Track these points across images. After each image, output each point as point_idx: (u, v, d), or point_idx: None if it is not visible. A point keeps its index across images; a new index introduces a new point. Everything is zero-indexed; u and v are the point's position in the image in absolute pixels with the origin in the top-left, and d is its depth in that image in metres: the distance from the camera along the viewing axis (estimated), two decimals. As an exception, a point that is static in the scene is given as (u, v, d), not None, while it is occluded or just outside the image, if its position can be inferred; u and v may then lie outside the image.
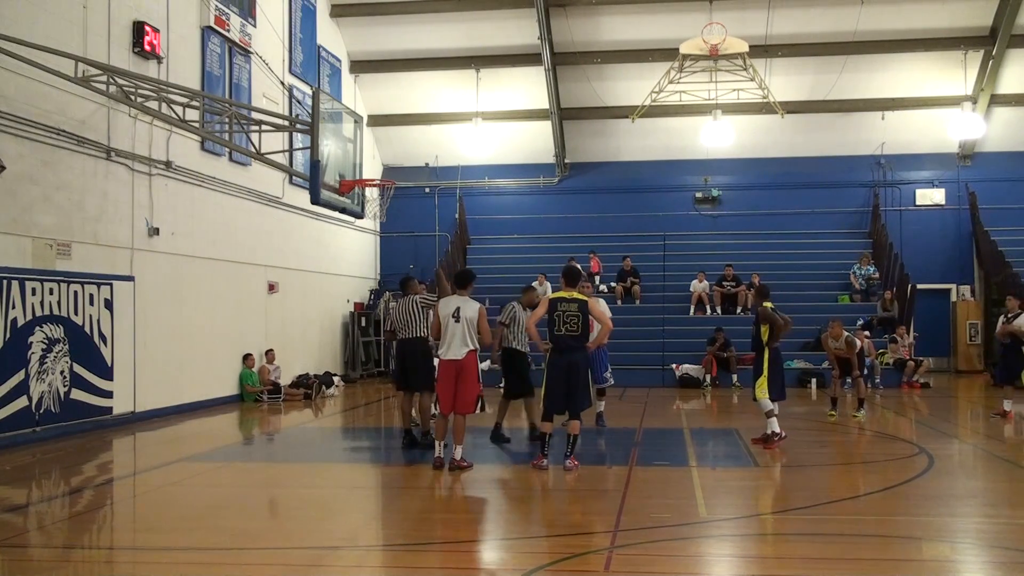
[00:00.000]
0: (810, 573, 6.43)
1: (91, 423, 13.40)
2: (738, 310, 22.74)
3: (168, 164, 15.51)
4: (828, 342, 14.30)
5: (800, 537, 7.45)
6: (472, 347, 9.79)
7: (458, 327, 9.72)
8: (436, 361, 10.41)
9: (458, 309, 9.77)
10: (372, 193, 16.50)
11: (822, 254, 24.59)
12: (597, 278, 23.71)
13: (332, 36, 23.32)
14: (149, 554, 6.94)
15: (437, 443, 9.89)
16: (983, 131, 24.28)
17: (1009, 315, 14.33)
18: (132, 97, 12.86)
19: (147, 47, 14.77)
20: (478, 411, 9.84)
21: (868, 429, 13.57)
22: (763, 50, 22.90)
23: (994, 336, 16.03)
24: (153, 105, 13.08)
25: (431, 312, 10.65)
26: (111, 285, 13.96)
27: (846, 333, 14.18)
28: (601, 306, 11.88)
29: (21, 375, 12.07)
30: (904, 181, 25.30)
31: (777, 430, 11.27)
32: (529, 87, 24.65)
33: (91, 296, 13.51)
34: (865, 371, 14.86)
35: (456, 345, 9.74)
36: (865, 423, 13.94)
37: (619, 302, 23.08)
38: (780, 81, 23.58)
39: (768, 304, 11.52)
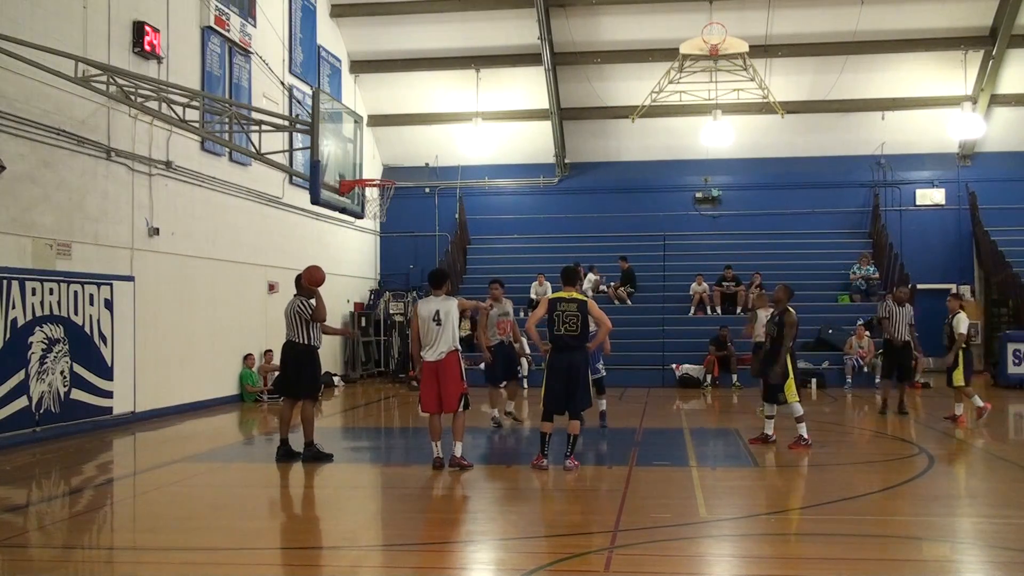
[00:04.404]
0: (810, 573, 6.43)
1: (91, 423, 13.39)
2: (738, 310, 22.72)
3: (168, 164, 15.52)
4: (760, 315, 12.44)
5: (800, 537, 7.47)
6: (453, 347, 9.92)
7: (438, 329, 9.87)
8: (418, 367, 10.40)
9: (438, 312, 9.89)
10: (372, 193, 16.48)
11: (822, 254, 24.58)
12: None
13: (332, 36, 23.31)
14: (149, 554, 6.94)
15: (434, 443, 9.94)
16: (983, 131, 24.27)
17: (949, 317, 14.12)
18: (132, 97, 12.86)
19: (147, 47, 14.77)
20: (461, 409, 9.89)
21: (868, 429, 13.55)
22: (763, 50, 22.91)
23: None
24: (153, 105, 13.07)
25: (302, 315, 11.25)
26: (111, 285, 13.96)
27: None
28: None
29: (21, 375, 12.07)
30: (904, 181, 25.30)
31: (806, 435, 11.27)
32: (529, 87, 24.65)
33: (91, 296, 13.51)
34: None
35: (438, 346, 9.88)
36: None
37: (615, 302, 23.07)
38: (780, 81, 23.57)
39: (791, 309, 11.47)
